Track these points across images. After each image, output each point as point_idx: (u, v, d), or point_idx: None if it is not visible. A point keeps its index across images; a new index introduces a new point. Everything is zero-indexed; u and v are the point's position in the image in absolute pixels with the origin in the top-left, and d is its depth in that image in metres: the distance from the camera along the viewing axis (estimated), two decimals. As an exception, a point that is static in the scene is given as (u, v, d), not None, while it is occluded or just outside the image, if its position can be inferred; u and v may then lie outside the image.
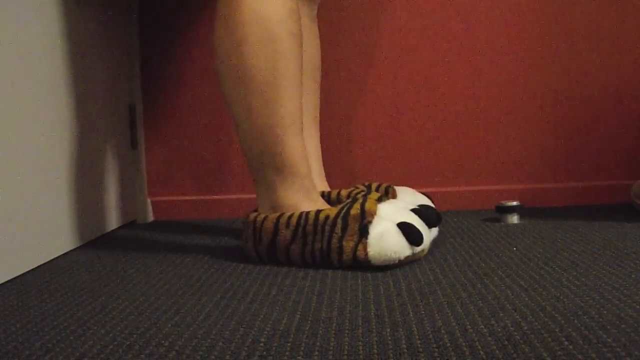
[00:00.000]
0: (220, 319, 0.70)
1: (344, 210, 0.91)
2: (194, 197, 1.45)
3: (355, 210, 0.90)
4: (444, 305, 0.71)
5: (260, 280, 0.86)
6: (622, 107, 1.42)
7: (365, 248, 0.88)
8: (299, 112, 0.96)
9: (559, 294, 0.73)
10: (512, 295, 0.74)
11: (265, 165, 0.96)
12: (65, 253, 1.08)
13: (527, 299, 0.72)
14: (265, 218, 0.95)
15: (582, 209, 1.34)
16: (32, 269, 0.97)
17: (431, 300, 0.73)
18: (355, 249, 0.89)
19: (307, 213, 0.92)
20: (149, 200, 1.44)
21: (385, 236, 0.88)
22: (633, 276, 0.79)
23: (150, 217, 1.45)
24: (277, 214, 0.94)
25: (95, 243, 1.16)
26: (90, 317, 0.72)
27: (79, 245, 1.13)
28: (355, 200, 0.94)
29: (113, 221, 1.29)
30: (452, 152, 1.43)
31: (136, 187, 1.42)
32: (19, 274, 0.93)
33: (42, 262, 1.00)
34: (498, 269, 0.87)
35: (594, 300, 0.70)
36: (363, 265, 0.89)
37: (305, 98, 1.14)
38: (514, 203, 1.22)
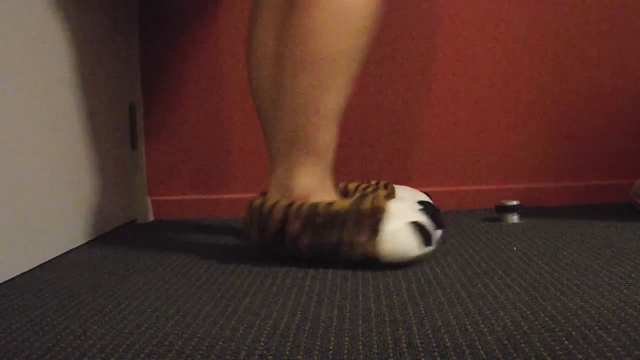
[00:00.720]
0: (220, 318, 0.70)
1: (355, 205, 0.90)
2: (194, 197, 1.45)
3: (367, 205, 0.89)
4: (444, 304, 0.71)
5: (260, 280, 0.86)
6: (621, 107, 1.42)
7: (377, 245, 0.88)
8: (346, 102, 0.96)
9: (559, 294, 0.73)
10: (512, 295, 0.74)
11: (295, 146, 0.94)
12: (66, 252, 1.08)
13: (527, 299, 0.72)
14: (273, 205, 0.92)
15: (582, 209, 1.34)
16: (33, 268, 0.97)
17: (431, 300, 0.73)
18: (366, 246, 0.88)
19: (318, 205, 0.91)
20: (149, 200, 1.44)
21: (397, 234, 0.88)
22: (633, 276, 0.79)
23: (151, 217, 1.45)
24: (287, 203, 0.92)
25: (95, 242, 1.16)
26: (90, 317, 0.72)
27: (79, 244, 1.13)
28: (364, 195, 0.94)
29: (113, 221, 1.29)
30: (452, 152, 1.43)
31: (136, 186, 1.42)
32: (19, 273, 0.93)
33: (42, 262, 1.00)
34: (498, 268, 0.87)
35: (594, 300, 0.70)
36: (372, 262, 0.89)
37: None
38: (514, 203, 1.22)
